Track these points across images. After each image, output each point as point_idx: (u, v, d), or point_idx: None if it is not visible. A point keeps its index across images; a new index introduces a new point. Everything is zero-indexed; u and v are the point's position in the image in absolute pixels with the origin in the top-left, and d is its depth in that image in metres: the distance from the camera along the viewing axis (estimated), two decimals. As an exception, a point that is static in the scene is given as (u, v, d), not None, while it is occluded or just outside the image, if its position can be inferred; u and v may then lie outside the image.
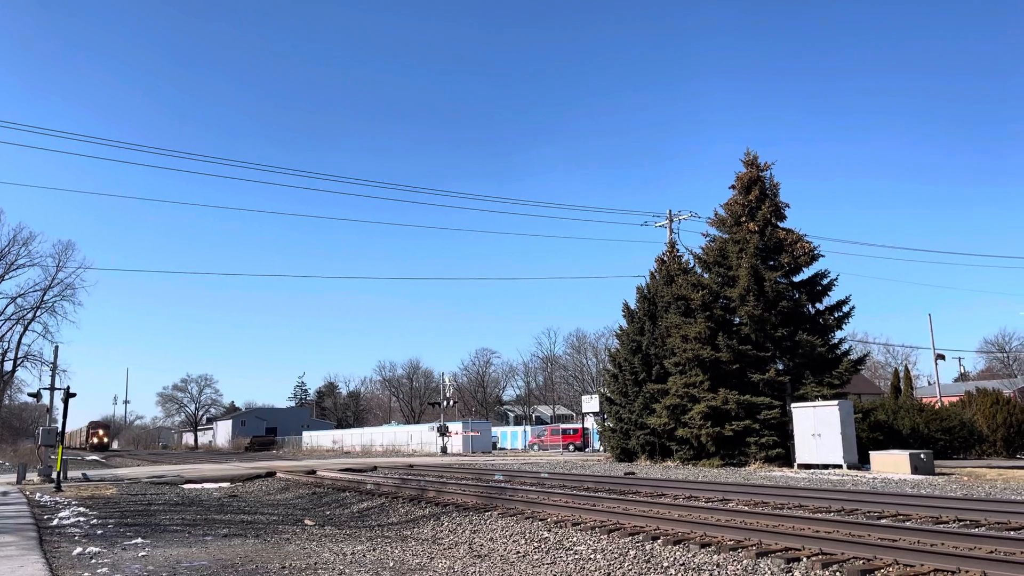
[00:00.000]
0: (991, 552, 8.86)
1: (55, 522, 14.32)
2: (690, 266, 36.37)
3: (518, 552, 10.99)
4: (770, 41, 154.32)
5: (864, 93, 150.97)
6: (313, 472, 28.91)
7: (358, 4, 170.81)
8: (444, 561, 10.26)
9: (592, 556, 10.29)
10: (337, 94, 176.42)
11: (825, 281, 31.92)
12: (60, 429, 25.01)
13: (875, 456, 25.87)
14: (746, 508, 14.41)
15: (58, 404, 27.31)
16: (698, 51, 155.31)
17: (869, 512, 13.51)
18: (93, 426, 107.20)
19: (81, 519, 14.77)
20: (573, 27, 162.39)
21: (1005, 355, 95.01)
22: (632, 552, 10.24)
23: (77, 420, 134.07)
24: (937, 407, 38.20)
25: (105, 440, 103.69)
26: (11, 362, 70.11)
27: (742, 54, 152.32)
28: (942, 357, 54.82)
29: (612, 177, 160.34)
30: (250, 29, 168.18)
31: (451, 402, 71.81)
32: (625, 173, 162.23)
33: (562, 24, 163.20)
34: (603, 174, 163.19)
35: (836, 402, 27.38)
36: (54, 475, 23.76)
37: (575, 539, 11.38)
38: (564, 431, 65.36)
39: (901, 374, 52.99)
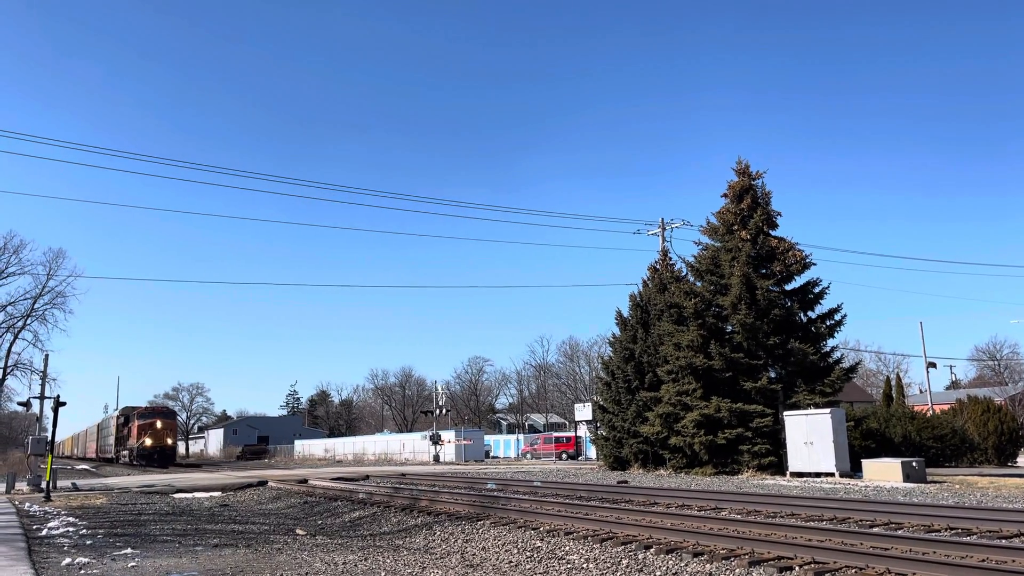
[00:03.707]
0: (983, 561, 8.88)
1: (44, 532, 14.21)
2: (683, 274, 36.45)
3: (511, 562, 10.95)
4: (764, 53, 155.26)
5: (856, 105, 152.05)
6: (305, 481, 28.78)
7: (354, 11, 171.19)
8: (436, 571, 10.22)
9: (585, 565, 10.27)
10: (331, 102, 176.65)
11: (817, 289, 32.01)
12: (50, 438, 24.88)
13: (867, 464, 25.90)
14: (739, 517, 14.40)
15: (48, 413, 27.14)
16: (693, 62, 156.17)
17: (861, 520, 13.52)
18: (145, 415, 58.63)
19: (70, 529, 14.67)
20: (569, 38, 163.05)
21: (996, 363, 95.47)
22: (625, 561, 10.22)
23: (73, 426, 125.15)
24: (929, 415, 38.28)
25: (169, 442, 57.55)
26: (1, 371, 69.74)
27: (737, 65, 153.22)
28: (933, 365, 55.01)
29: (605, 185, 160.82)
30: (243, 36, 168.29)
31: (444, 411, 71.61)
32: (618, 182, 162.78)
33: (558, 35, 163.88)
34: (597, 182, 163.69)
35: (828, 410, 27.41)
36: (44, 484, 23.61)
37: (568, 548, 11.35)
38: (557, 439, 65.25)
39: (893, 382, 53.09)
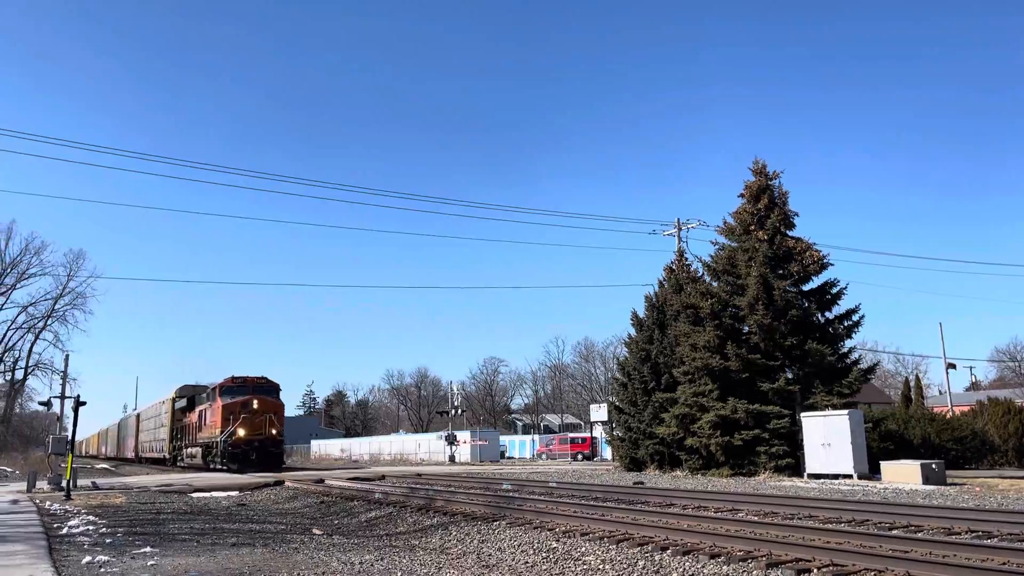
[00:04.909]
0: (1003, 564, 8.79)
1: (64, 531, 14.35)
2: (699, 275, 36.32)
3: (527, 562, 10.94)
4: (780, 50, 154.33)
5: (875, 102, 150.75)
6: (321, 481, 28.89)
7: (365, 9, 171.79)
8: (452, 571, 10.24)
9: (601, 567, 10.25)
10: (346, 102, 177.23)
11: (835, 290, 31.81)
12: (70, 437, 25.13)
13: (886, 466, 25.70)
14: (756, 518, 14.33)
15: (68, 412, 27.44)
16: (708, 60, 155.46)
17: (880, 523, 13.42)
18: (233, 390, 37.70)
19: (90, 528, 14.80)
20: (582, 35, 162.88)
21: (1017, 364, 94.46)
22: (641, 563, 10.19)
23: (93, 426, 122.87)
24: (948, 417, 37.95)
25: (275, 433, 37.01)
26: (22, 370, 70.81)
27: (752, 63, 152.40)
28: (953, 366, 54.56)
29: (621, 185, 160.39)
30: (257, 36, 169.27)
31: (459, 411, 71.80)
32: (634, 181, 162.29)
33: (571, 32, 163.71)
34: (612, 182, 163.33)
35: (846, 411, 27.24)
36: (64, 483, 23.85)
37: (584, 549, 11.34)
38: (572, 440, 65.24)
39: (912, 383, 52.75)
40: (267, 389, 38.31)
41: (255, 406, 36.31)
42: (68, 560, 10.71)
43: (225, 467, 35.76)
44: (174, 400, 48.02)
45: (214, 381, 41.49)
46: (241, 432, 35.49)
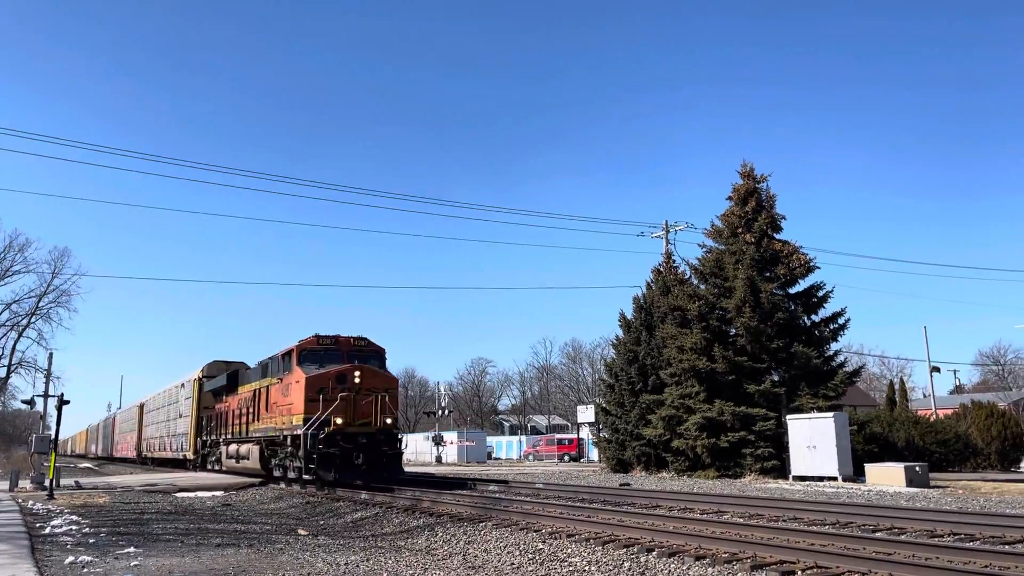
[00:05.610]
0: (986, 567, 8.87)
1: (47, 530, 14.24)
2: (686, 277, 36.46)
3: (512, 563, 10.94)
4: (769, 51, 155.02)
5: (862, 105, 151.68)
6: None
7: (365, 9, 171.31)
8: (438, 572, 10.23)
9: (587, 568, 10.26)
10: (335, 99, 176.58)
11: (821, 293, 32.02)
12: (54, 436, 24.95)
13: (870, 468, 25.88)
14: (741, 520, 14.40)
15: (52, 411, 27.22)
16: (697, 60, 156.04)
17: (864, 525, 13.50)
18: (318, 355, 23.83)
19: (73, 527, 14.70)
20: (572, 35, 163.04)
21: (1000, 368, 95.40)
22: (627, 564, 10.22)
23: (77, 424, 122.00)
24: (932, 419, 38.25)
25: (388, 423, 22.93)
26: (5, 368, 70.01)
27: (741, 64, 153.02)
28: (937, 369, 54.98)
29: (608, 186, 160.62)
30: (248, 33, 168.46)
31: (446, 412, 71.75)
32: (622, 183, 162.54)
33: (560, 32, 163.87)
34: (599, 183, 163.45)
35: (831, 414, 27.41)
36: (47, 483, 23.67)
37: (570, 551, 11.35)
38: (559, 441, 65.35)
39: (896, 386, 53.16)
40: (369, 355, 25.16)
41: (357, 379, 23.26)
42: (51, 560, 10.63)
43: (313, 476, 22.83)
44: (201, 381, 35.69)
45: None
46: (339, 420, 22.63)
